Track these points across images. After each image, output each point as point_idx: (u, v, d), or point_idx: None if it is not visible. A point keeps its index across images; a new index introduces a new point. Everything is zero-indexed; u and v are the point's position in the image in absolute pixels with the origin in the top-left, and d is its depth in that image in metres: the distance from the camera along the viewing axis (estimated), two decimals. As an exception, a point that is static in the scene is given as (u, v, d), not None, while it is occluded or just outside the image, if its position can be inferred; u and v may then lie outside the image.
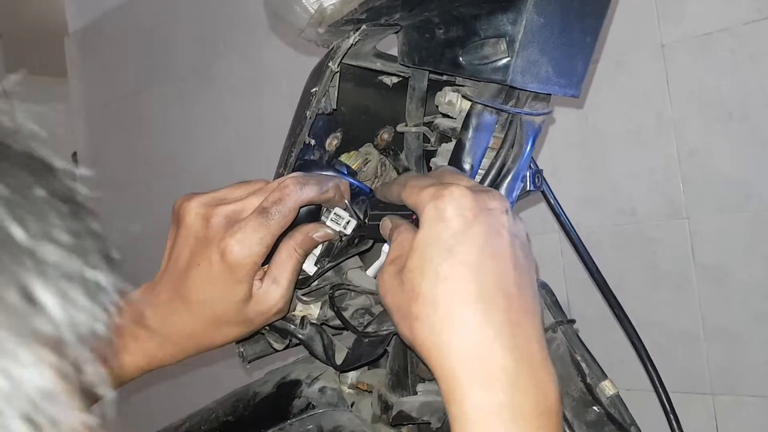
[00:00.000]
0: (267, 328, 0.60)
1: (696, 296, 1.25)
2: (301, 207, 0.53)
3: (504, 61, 0.52)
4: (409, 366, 0.63)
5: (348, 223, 0.57)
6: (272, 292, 0.53)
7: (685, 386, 1.27)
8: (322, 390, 0.64)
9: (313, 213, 0.58)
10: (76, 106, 2.53)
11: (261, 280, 0.54)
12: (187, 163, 2.09)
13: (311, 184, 0.53)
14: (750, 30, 1.17)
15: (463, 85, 0.59)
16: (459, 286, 0.43)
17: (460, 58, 0.53)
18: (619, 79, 1.31)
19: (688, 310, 1.26)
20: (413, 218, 0.50)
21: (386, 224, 0.53)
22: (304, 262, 0.57)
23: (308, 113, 0.55)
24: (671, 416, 0.65)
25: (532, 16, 0.51)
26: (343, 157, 0.66)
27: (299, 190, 0.52)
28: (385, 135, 0.70)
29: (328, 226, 0.57)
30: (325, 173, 0.59)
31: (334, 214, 0.57)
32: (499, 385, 0.42)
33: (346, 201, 0.57)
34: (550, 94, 0.57)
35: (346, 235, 0.58)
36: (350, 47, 0.52)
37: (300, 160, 0.60)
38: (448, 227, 0.44)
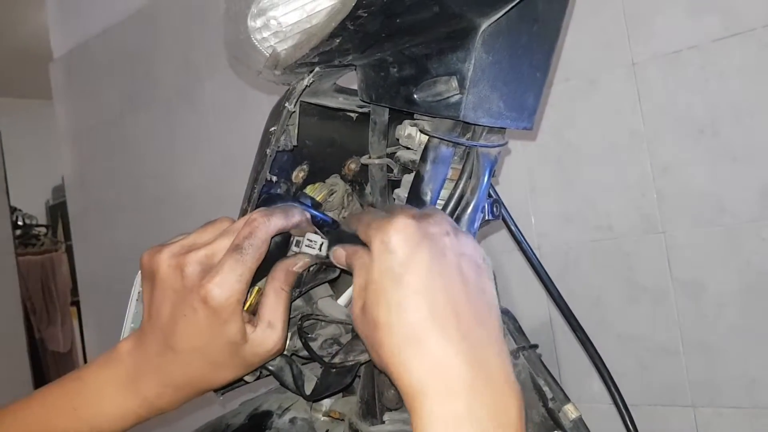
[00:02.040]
0: None
1: (674, 310, 1.26)
2: (271, 237, 0.54)
3: (456, 98, 0.53)
4: (376, 395, 0.64)
5: (322, 245, 0.58)
6: (269, 335, 0.54)
7: (666, 399, 1.28)
8: (292, 420, 0.66)
9: (281, 246, 0.59)
10: (63, 130, 2.54)
11: (253, 324, 0.54)
12: (173, 186, 2.10)
13: (277, 214, 0.55)
14: (718, 47, 1.19)
15: (420, 119, 0.60)
16: (410, 309, 0.46)
17: (415, 96, 0.55)
18: (592, 98, 1.33)
19: (666, 323, 1.27)
20: None
21: (339, 253, 0.54)
22: (292, 298, 0.58)
23: (268, 151, 0.56)
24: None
25: (480, 54, 0.53)
26: (309, 189, 0.67)
27: (267, 221, 0.54)
28: (353, 165, 0.71)
29: (305, 253, 0.58)
30: (288, 204, 0.61)
31: (307, 239, 0.58)
32: (456, 394, 0.44)
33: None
34: (504, 128, 0.58)
35: (323, 257, 0.59)
36: (305, 89, 0.53)
37: (265, 194, 0.62)
38: (395, 257, 0.47)
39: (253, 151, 1.91)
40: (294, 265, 0.57)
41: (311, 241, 0.58)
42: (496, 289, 0.51)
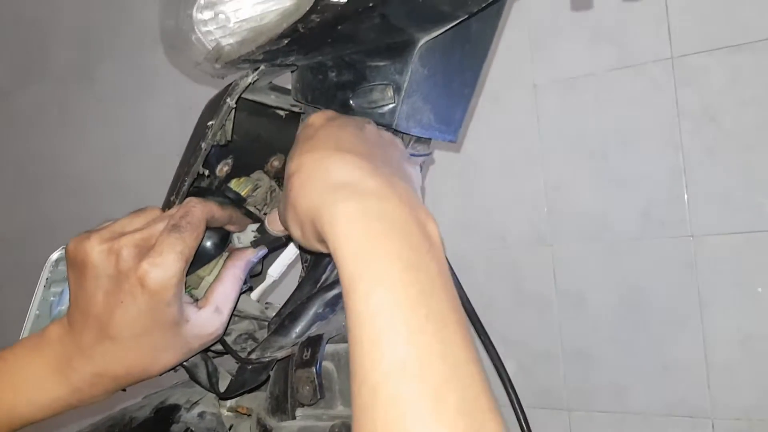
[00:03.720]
0: None
1: (556, 319, 1.35)
2: (207, 219, 0.54)
3: (390, 106, 0.56)
4: (289, 391, 0.65)
5: (260, 226, 0.60)
6: (215, 319, 0.54)
7: (544, 402, 1.36)
8: (201, 415, 0.65)
9: (220, 245, 0.59)
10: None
11: (197, 306, 0.54)
12: (64, 167, 1.99)
13: (212, 202, 0.55)
14: (612, 77, 1.29)
15: (351, 124, 0.62)
16: (318, 149, 0.47)
17: (351, 101, 0.56)
18: (495, 115, 1.40)
19: (549, 331, 1.36)
20: None
21: (272, 216, 0.57)
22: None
23: (203, 145, 0.56)
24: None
25: (417, 67, 0.55)
26: (234, 184, 0.67)
27: (203, 204, 0.54)
28: (276, 162, 0.72)
29: (255, 242, 0.60)
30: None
31: (250, 230, 0.60)
32: (361, 196, 0.43)
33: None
34: (430, 138, 0.61)
35: (280, 240, 0.59)
36: (248, 85, 0.54)
37: (194, 188, 0.61)
38: (310, 126, 0.51)
39: (154, 138, 1.85)
40: (253, 254, 0.58)
41: (253, 230, 0.60)
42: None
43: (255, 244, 0.60)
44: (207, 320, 0.54)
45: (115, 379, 0.53)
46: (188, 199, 0.54)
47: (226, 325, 0.56)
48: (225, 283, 0.56)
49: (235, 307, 0.57)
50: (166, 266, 0.49)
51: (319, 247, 0.47)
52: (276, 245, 0.61)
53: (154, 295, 0.49)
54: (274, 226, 0.57)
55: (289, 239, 0.61)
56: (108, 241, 0.50)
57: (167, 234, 0.51)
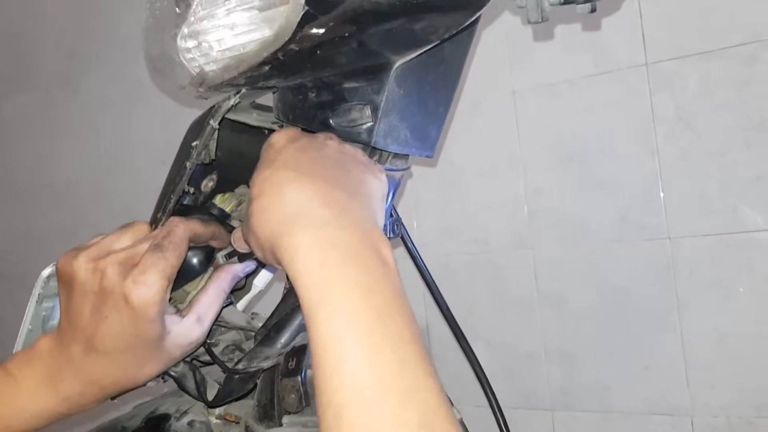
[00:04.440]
0: None
1: (538, 321, 1.38)
2: (190, 237, 0.56)
3: (368, 125, 0.58)
4: (276, 399, 0.67)
5: None
6: (196, 329, 0.56)
7: (527, 403, 1.39)
8: (190, 424, 0.67)
9: (204, 262, 0.62)
10: None
11: (180, 315, 0.55)
12: (50, 177, 2.00)
13: (194, 221, 0.58)
14: (588, 83, 1.32)
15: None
16: (279, 174, 0.49)
17: (330, 120, 0.59)
18: (475, 120, 1.42)
19: (531, 333, 1.39)
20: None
21: (236, 235, 0.58)
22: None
23: (188, 164, 0.58)
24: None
25: (393, 87, 0.57)
26: (218, 200, 0.69)
27: (186, 222, 0.56)
28: (259, 177, 0.74)
29: (236, 260, 0.61)
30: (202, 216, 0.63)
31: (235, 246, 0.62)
32: (320, 225, 0.45)
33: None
34: (408, 155, 0.64)
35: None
36: (230, 108, 0.56)
37: (179, 205, 0.63)
38: (272, 148, 0.52)
39: (139, 147, 1.87)
40: (241, 270, 0.60)
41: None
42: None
43: (229, 256, 0.62)
44: (188, 330, 0.56)
45: (103, 389, 0.55)
46: (171, 219, 0.56)
47: (206, 335, 0.58)
48: (209, 293, 0.58)
49: (216, 318, 0.59)
50: (148, 284, 0.51)
51: (281, 269, 0.49)
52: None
53: (137, 311, 0.51)
54: (240, 245, 0.59)
55: None
56: (94, 260, 0.53)
57: (150, 253, 0.53)
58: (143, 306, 0.51)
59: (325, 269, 0.43)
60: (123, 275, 0.52)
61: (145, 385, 0.59)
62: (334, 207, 0.46)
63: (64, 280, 0.54)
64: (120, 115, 1.87)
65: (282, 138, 0.54)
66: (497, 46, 1.40)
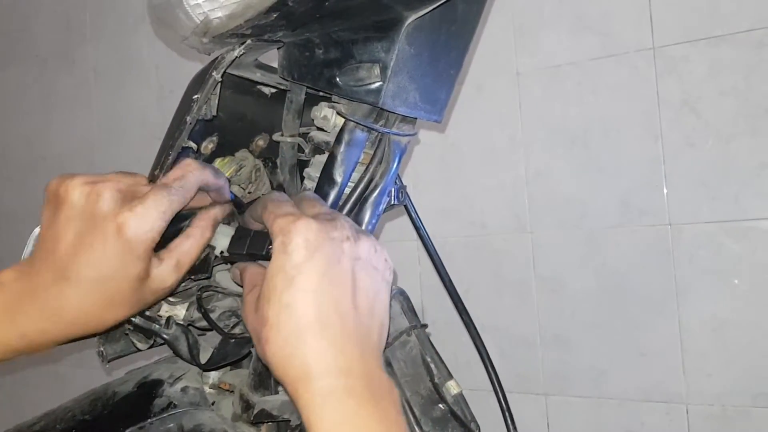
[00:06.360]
0: (131, 327, 0.60)
1: (535, 305, 1.37)
2: (199, 187, 0.54)
3: (377, 84, 0.56)
4: (272, 366, 0.65)
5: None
6: (172, 275, 0.53)
7: (521, 387, 1.38)
8: (184, 389, 0.65)
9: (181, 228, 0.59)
10: None
11: (159, 259, 0.53)
12: (44, 150, 1.97)
13: (209, 168, 0.55)
14: (594, 65, 1.30)
15: (338, 102, 0.62)
16: (298, 310, 0.47)
17: (337, 78, 0.57)
18: (478, 102, 1.41)
19: (527, 317, 1.37)
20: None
21: (235, 272, 0.57)
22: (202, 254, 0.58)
23: (189, 118, 0.56)
24: (507, 414, 0.72)
25: (403, 46, 0.55)
26: (218, 163, 0.67)
27: (201, 169, 0.54)
28: (261, 142, 0.72)
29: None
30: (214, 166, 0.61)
31: (223, 236, 0.59)
32: (336, 374, 0.46)
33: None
34: (416, 118, 0.62)
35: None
36: (234, 59, 0.54)
37: (176, 162, 0.61)
38: (290, 259, 0.48)
39: (133, 120, 1.84)
40: (221, 214, 0.57)
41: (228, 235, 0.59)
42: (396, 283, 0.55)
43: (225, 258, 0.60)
44: (166, 275, 0.53)
45: (66, 326, 0.51)
46: (187, 160, 0.54)
47: (180, 283, 0.55)
48: (189, 238, 0.55)
49: (193, 265, 0.56)
50: (146, 218, 0.49)
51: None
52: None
53: (127, 244, 0.48)
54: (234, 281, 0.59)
55: None
56: (93, 183, 0.50)
57: (157, 189, 0.50)
58: (135, 240, 0.48)
59: (339, 418, 0.45)
60: (121, 203, 0.49)
61: (108, 331, 0.55)
62: (348, 355, 0.48)
63: (52, 201, 0.51)
64: (116, 88, 1.85)
65: (301, 248, 0.48)
66: (502, 27, 1.38)
